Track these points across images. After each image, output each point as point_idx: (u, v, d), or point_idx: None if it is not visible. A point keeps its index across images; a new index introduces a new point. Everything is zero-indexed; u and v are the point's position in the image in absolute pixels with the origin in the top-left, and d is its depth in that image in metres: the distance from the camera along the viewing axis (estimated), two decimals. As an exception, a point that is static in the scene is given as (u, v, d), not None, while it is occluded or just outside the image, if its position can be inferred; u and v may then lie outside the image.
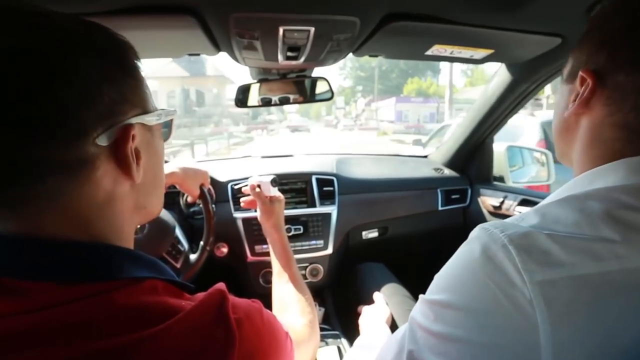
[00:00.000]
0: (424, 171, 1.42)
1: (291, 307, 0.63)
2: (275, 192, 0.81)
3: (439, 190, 1.36)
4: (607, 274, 0.29)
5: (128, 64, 0.34)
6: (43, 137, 0.27)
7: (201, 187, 0.92)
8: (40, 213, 0.29)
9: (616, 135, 0.36)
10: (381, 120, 30.16)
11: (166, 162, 0.85)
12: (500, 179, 1.43)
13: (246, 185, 0.83)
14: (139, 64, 0.36)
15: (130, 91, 0.34)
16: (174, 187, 1.11)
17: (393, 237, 1.34)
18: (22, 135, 0.26)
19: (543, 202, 0.36)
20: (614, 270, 0.29)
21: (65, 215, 0.30)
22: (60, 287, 0.28)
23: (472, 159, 1.41)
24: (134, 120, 0.33)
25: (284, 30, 0.63)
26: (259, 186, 0.80)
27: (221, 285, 0.35)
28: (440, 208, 1.35)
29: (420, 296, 0.38)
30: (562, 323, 0.29)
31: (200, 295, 0.34)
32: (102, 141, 0.30)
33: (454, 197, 1.37)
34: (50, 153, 0.28)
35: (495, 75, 1.12)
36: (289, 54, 0.75)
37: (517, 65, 1.00)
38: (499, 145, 1.42)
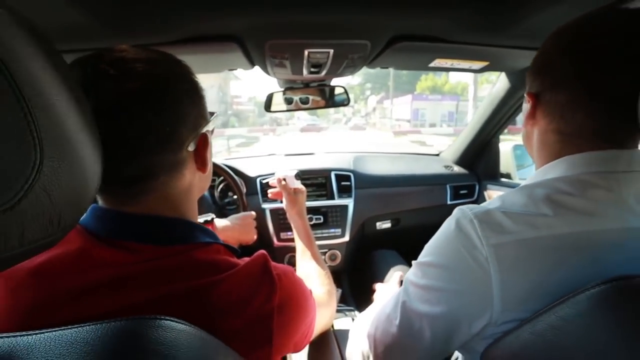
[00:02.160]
0: (434, 168, 1.63)
1: (313, 279, 0.79)
2: (298, 184, 1.01)
3: (448, 186, 1.56)
4: (541, 238, 0.41)
5: (198, 86, 0.47)
6: (160, 150, 0.42)
7: (232, 181, 1.16)
8: (150, 200, 0.44)
9: (556, 139, 0.49)
10: (397, 119, 29.87)
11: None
12: (508, 175, 1.62)
13: (273, 179, 1.03)
14: (200, 83, 0.49)
15: (202, 107, 0.48)
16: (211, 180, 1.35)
17: (405, 227, 1.55)
18: (149, 150, 0.41)
19: (508, 191, 0.51)
20: (545, 236, 0.41)
21: (165, 200, 0.45)
22: (159, 247, 0.42)
23: (480, 157, 1.61)
24: (205, 129, 0.48)
25: (309, 52, 0.85)
26: (284, 179, 1.00)
27: (263, 251, 0.47)
28: (449, 202, 1.55)
29: (414, 261, 0.53)
30: (508, 273, 0.42)
31: (248, 257, 0.46)
32: (191, 148, 0.45)
33: (462, 192, 1.58)
34: (162, 159, 0.42)
35: (498, 81, 1.33)
36: (312, 69, 0.97)
37: (514, 73, 1.22)
38: (506, 144, 1.63)
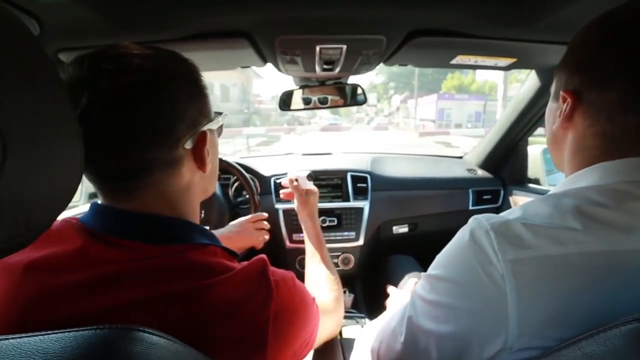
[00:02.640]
0: (456, 171, 1.57)
1: (321, 284, 0.78)
2: (310, 185, 0.99)
3: (470, 191, 1.50)
4: (567, 255, 0.36)
5: (200, 84, 0.47)
6: (154, 145, 0.41)
7: (245, 181, 1.15)
8: (146, 197, 0.43)
9: (596, 144, 0.44)
10: (421, 119, 29.41)
11: None
12: (536, 181, 1.54)
13: (286, 179, 1.02)
14: (204, 81, 0.49)
15: (203, 105, 0.47)
16: (225, 179, 1.36)
17: (423, 233, 1.50)
18: (143, 144, 0.41)
19: (531, 200, 0.46)
20: (572, 253, 0.36)
21: (161, 198, 0.44)
22: (154, 246, 0.41)
23: (506, 160, 1.53)
24: (206, 127, 0.47)
25: (320, 48, 0.83)
26: (296, 180, 0.98)
27: (263, 255, 0.46)
28: (471, 208, 1.49)
29: (423, 273, 0.48)
30: (526, 294, 0.37)
31: (247, 262, 0.45)
32: (188, 145, 0.44)
33: (485, 197, 1.51)
34: (157, 155, 0.42)
35: (527, 79, 1.26)
36: (325, 66, 0.95)
37: (545, 70, 1.15)
38: (535, 147, 1.54)
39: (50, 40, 0.70)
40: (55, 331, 0.26)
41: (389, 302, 0.98)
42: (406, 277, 1.19)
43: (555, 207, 0.40)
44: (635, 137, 0.41)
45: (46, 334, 0.26)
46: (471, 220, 0.44)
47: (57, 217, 0.27)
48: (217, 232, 0.97)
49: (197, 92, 0.47)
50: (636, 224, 0.37)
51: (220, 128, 0.56)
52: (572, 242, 0.37)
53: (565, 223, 0.38)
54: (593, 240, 0.37)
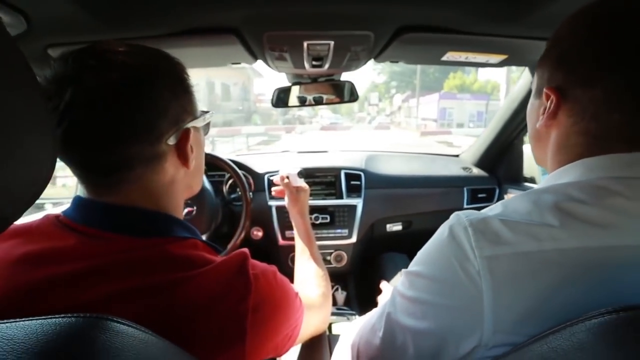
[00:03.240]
0: (451, 169, 1.57)
1: (309, 280, 0.79)
2: (301, 183, 1.00)
3: (465, 189, 1.50)
4: (543, 252, 0.36)
5: (185, 82, 0.48)
6: (136, 140, 0.42)
7: (238, 178, 1.15)
8: (129, 191, 0.45)
9: (579, 141, 0.43)
10: (423, 118, 29.39)
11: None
12: (532, 180, 1.54)
13: (277, 177, 1.03)
14: (190, 80, 0.50)
15: (187, 103, 0.48)
16: (220, 176, 1.36)
17: (417, 231, 1.50)
18: (125, 140, 0.42)
19: (513, 196, 0.46)
20: (549, 250, 0.36)
21: (144, 192, 0.45)
22: (134, 239, 0.42)
23: (501, 159, 1.54)
24: (190, 125, 0.48)
25: (308, 44, 0.83)
26: (287, 177, 0.99)
27: (244, 249, 0.47)
28: (465, 206, 1.49)
29: (403, 270, 0.48)
30: (502, 290, 0.37)
31: (227, 255, 0.46)
32: (171, 141, 0.45)
33: (480, 196, 1.51)
34: (139, 150, 0.43)
35: (520, 77, 1.26)
36: (314, 62, 0.95)
37: None
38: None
39: (38, 36, 0.71)
40: (23, 319, 0.27)
41: (380, 299, 1.01)
42: (398, 275, 1.20)
43: (534, 204, 0.40)
44: (619, 135, 0.41)
45: (13, 322, 0.26)
46: (452, 216, 0.44)
47: (24, 210, 0.27)
48: None
49: (182, 90, 0.48)
50: (614, 220, 0.37)
51: (207, 126, 0.57)
52: (548, 239, 0.37)
53: (543, 219, 0.38)
54: (569, 237, 0.37)
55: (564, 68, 0.44)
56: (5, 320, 0.26)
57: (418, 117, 29.93)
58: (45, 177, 0.28)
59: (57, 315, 0.28)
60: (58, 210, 1.09)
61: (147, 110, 0.43)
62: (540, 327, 0.35)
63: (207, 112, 0.55)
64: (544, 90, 0.45)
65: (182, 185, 0.52)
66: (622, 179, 0.39)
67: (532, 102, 0.52)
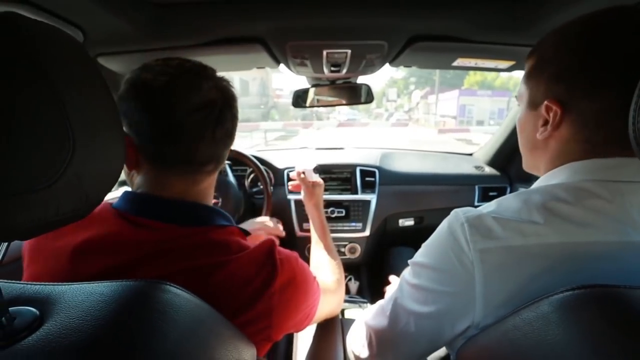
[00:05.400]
0: (464, 168, 1.61)
1: (324, 267, 0.86)
2: (317, 178, 1.06)
3: (476, 187, 1.53)
4: (528, 246, 0.41)
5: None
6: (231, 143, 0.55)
7: (260, 172, 1.25)
8: (182, 190, 0.53)
9: (578, 148, 0.46)
10: (442, 115, 28.80)
11: None
12: (543, 179, 1.57)
13: (294, 172, 1.10)
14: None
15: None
16: (242, 171, 1.46)
17: (428, 226, 1.55)
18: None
19: (507, 195, 0.50)
20: (533, 244, 0.41)
21: (187, 188, 0.54)
22: (180, 227, 0.49)
23: (513, 158, 1.56)
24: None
25: (327, 53, 0.90)
26: (303, 172, 1.06)
27: (272, 237, 0.55)
28: (476, 204, 1.52)
29: (410, 260, 0.54)
30: (491, 278, 0.42)
31: (259, 241, 0.53)
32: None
33: (491, 194, 1.53)
34: (206, 167, 0.54)
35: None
36: (332, 68, 1.02)
37: None
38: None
39: (91, 47, 0.81)
40: (106, 281, 0.35)
41: (387, 289, 1.06)
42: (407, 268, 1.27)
43: (524, 203, 0.45)
44: (618, 140, 0.43)
45: (98, 283, 0.35)
46: (451, 213, 0.49)
47: (107, 194, 0.36)
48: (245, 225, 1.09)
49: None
50: (592, 220, 0.41)
51: None
52: (533, 235, 0.41)
53: (530, 217, 0.43)
54: (552, 233, 0.41)
55: (565, 81, 0.45)
56: (92, 282, 0.35)
57: (437, 113, 29.30)
58: (118, 168, 0.36)
59: (131, 280, 0.36)
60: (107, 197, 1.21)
61: (218, 133, 0.52)
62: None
63: None
64: (545, 103, 0.47)
65: (213, 180, 0.60)
66: (603, 182, 0.43)
67: (525, 114, 0.53)
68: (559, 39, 0.47)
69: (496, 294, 0.42)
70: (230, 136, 0.55)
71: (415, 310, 0.50)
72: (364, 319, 0.65)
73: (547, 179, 0.49)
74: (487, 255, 0.42)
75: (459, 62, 0.99)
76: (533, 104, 0.50)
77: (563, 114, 0.46)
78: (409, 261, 0.54)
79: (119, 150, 0.36)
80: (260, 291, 0.48)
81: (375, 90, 1.48)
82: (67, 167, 0.28)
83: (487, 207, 0.48)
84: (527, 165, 0.58)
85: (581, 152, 0.46)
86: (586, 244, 0.40)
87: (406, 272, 0.54)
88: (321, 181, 1.06)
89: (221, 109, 0.52)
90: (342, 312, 1.13)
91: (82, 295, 0.33)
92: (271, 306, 0.49)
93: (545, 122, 0.48)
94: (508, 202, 0.46)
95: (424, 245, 0.53)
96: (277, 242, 1.39)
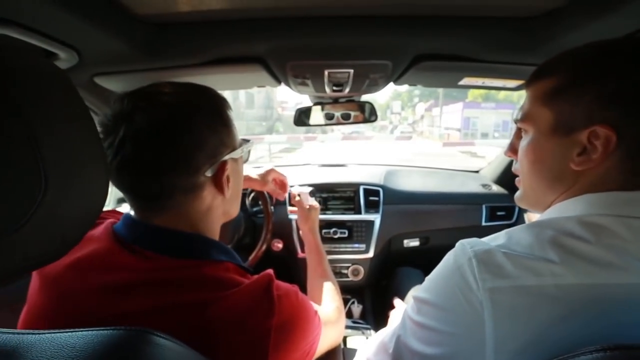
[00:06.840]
0: (470, 186, 1.56)
1: (323, 297, 0.81)
2: (312, 201, 1.04)
3: (484, 206, 1.48)
4: (543, 287, 0.38)
5: (224, 116, 0.53)
6: (174, 172, 0.47)
7: (260, 192, 1.21)
8: (169, 215, 0.50)
9: (621, 178, 0.42)
10: (446, 127, 28.90)
11: None
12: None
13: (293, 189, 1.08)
14: (230, 112, 0.54)
15: (225, 136, 0.52)
16: (243, 189, 1.42)
17: (434, 247, 1.51)
18: (165, 171, 0.47)
19: (517, 226, 0.46)
20: (549, 285, 0.38)
21: (182, 217, 0.50)
22: (172, 259, 0.47)
23: None
24: (227, 157, 0.52)
25: (329, 72, 0.88)
26: (299, 195, 1.04)
27: (270, 271, 0.50)
28: (483, 224, 1.48)
29: (412, 295, 0.52)
30: (503, 321, 0.38)
31: (256, 276, 0.50)
32: (208, 173, 0.50)
33: (499, 213, 1.49)
34: (178, 181, 0.48)
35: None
36: (334, 88, 1.00)
37: None
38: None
39: (87, 67, 0.79)
40: (82, 329, 0.32)
41: (392, 314, 1.02)
42: (412, 290, 1.21)
43: (536, 237, 0.41)
44: None
45: (74, 331, 0.31)
46: (457, 245, 0.45)
47: (86, 233, 0.33)
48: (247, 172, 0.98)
49: (220, 124, 0.52)
50: (614, 260, 0.38)
51: (247, 154, 0.62)
52: (549, 274, 0.38)
53: (544, 254, 0.39)
54: (570, 273, 0.38)
55: (618, 107, 0.41)
56: (66, 330, 0.32)
57: (441, 126, 29.41)
58: (99, 205, 0.33)
59: (109, 327, 0.32)
60: (121, 209, 1.17)
61: (185, 145, 0.47)
62: (539, 357, 0.36)
63: (247, 141, 0.59)
64: (593, 128, 0.42)
65: (219, 211, 0.56)
66: (623, 217, 0.40)
67: (545, 141, 0.47)
68: (602, 59, 0.43)
69: (509, 339, 0.38)
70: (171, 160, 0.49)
71: (420, 351, 0.46)
72: (366, 355, 0.61)
73: (559, 210, 0.46)
74: (497, 295, 0.39)
75: (466, 81, 0.96)
76: (564, 130, 0.45)
77: (617, 142, 0.41)
78: (412, 295, 0.51)
79: (101, 185, 0.33)
80: (256, 330, 0.45)
81: (380, 102, 1.47)
82: (37, 208, 0.26)
83: (497, 239, 0.44)
84: (532, 200, 0.53)
85: (618, 182, 0.42)
86: (607, 286, 0.37)
87: (409, 307, 0.50)
88: (317, 205, 1.04)
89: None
90: (345, 340, 1.08)
91: (52, 349, 0.30)
92: (267, 346, 0.45)
93: (583, 150, 0.43)
94: (519, 236, 0.43)
95: (427, 279, 0.49)
96: (279, 244, 1.33)
